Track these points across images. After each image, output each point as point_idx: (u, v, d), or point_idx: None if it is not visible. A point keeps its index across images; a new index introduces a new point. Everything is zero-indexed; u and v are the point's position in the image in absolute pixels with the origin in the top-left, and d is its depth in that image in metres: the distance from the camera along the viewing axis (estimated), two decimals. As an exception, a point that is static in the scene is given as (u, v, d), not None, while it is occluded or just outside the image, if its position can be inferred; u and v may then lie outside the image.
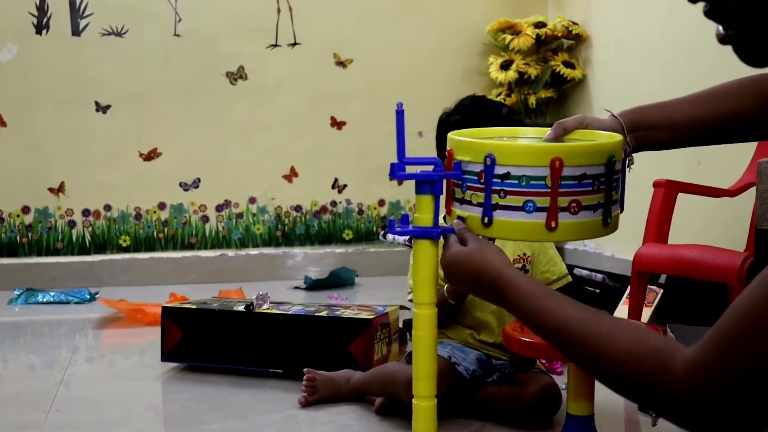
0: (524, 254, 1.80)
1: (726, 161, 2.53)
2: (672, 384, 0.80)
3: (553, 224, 1.08)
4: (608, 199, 1.12)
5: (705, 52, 2.69)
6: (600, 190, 1.11)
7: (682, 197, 2.29)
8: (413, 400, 1.18)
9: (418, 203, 1.16)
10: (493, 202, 1.10)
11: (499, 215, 1.10)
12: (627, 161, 1.29)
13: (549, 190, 1.08)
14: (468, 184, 1.14)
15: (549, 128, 1.20)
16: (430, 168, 1.16)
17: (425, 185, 1.14)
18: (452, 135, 1.19)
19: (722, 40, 0.74)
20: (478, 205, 1.12)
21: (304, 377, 1.81)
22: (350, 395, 1.81)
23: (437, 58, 4.13)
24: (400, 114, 1.13)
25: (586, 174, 1.09)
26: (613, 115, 1.28)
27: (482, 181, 1.11)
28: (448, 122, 1.82)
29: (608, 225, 1.13)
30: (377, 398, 1.76)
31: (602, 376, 0.89)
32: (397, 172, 1.13)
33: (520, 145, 1.14)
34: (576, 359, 0.94)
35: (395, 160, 1.15)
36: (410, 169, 1.17)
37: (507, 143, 1.16)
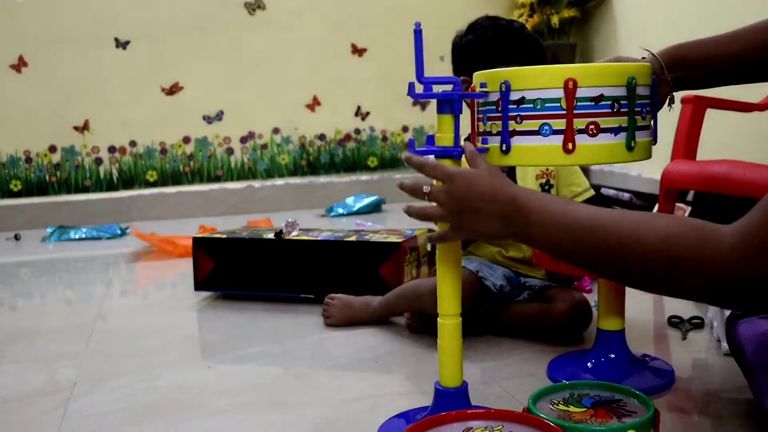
0: (547, 169, 1.79)
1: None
2: (720, 255, 0.77)
3: (570, 146, 1.07)
4: (632, 122, 1.10)
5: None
6: (621, 113, 1.09)
7: (710, 113, 2.26)
8: (438, 319, 1.19)
9: (438, 123, 1.15)
10: (510, 128, 1.10)
11: (516, 141, 1.10)
12: (668, 100, 1.27)
13: (564, 112, 1.07)
14: (488, 115, 1.15)
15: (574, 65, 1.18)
16: (449, 88, 1.15)
17: (444, 104, 1.13)
18: (476, 73, 1.18)
19: None
20: (497, 134, 1.12)
21: (326, 299, 1.86)
22: (372, 319, 1.82)
23: (457, -20, 4.06)
24: (418, 33, 1.12)
25: (603, 95, 1.08)
26: (652, 54, 1.25)
27: (499, 109, 1.11)
28: (461, 44, 1.81)
29: (633, 150, 1.11)
30: (406, 315, 1.78)
31: (643, 271, 0.86)
32: (415, 92, 1.12)
33: (533, 68, 1.13)
34: (612, 261, 0.91)
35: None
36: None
37: (520, 68, 1.14)
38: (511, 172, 1.73)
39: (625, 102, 1.10)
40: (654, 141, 1.18)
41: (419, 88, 1.12)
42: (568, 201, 0.98)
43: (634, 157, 1.13)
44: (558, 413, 1.03)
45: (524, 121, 1.09)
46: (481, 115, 1.17)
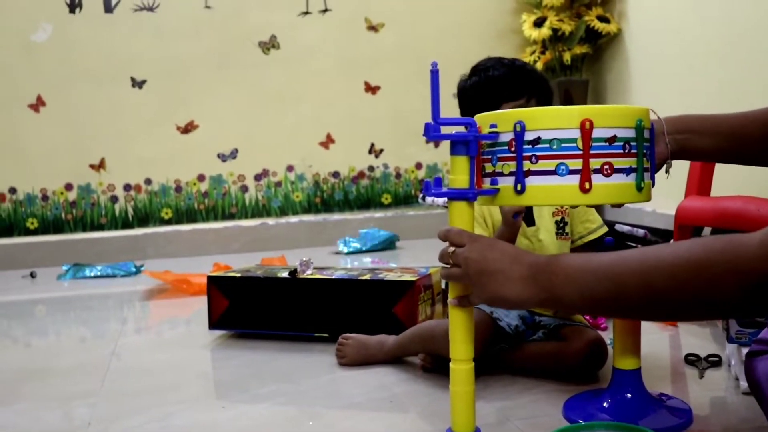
0: (562, 206, 1.79)
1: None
2: (750, 249, 0.78)
3: (587, 185, 1.08)
4: (641, 163, 1.12)
5: (745, 3, 2.63)
6: (631, 154, 1.11)
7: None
8: (450, 364, 1.19)
9: (452, 164, 1.16)
10: (525, 168, 1.11)
11: (531, 181, 1.11)
12: (666, 166, 1.28)
13: (581, 152, 1.08)
14: (498, 155, 1.15)
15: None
16: (464, 130, 1.16)
17: (460, 146, 1.14)
18: (480, 114, 1.19)
19: None
20: (510, 174, 1.12)
21: (339, 339, 1.85)
22: (386, 359, 1.82)
23: (469, 18, 4.10)
24: (434, 74, 1.13)
25: (617, 136, 1.10)
26: (656, 115, 1.26)
27: (513, 149, 1.12)
28: (465, 86, 1.81)
29: (641, 190, 1.13)
30: (420, 356, 1.77)
31: (672, 287, 0.86)
32: (431, 133, 1.13)
33: (550, 108, 1.14)
34: (641, 295, 0.91)
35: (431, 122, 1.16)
36: (445, 130, 1.16)
37: (535, 108, 1.16)
38: (528, 210, 1.73)
39: (634, 143, 1.11)
40: (653, 184, 1.20)
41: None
42: (595, 254, 1.00)
43: (641, 198, 1.14)
44: None
45: (540, 161, 1.10)
46: (488, 156, 1.17)
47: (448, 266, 1.15)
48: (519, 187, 1.11)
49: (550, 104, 1.76)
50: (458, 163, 1.15)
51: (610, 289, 0.95)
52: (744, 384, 1.51)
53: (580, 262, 0.99)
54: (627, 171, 1.10)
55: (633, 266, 0.92)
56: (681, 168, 2.32)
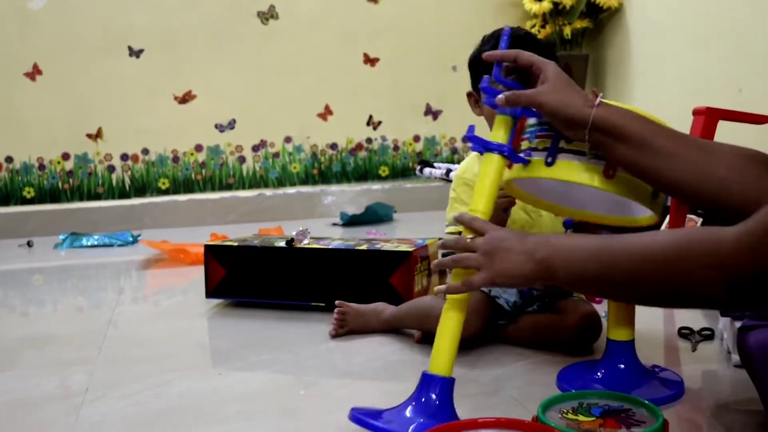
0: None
1: (768, 87, 2.48)
2: (724, 249, 0.80)
3: (611, 172, 1.15)
4: None
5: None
6: None
7: (722, 125, 2.26)
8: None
9: (496, 122, 1.23)
10: (560, 146, 1.17)
11: (562, 157, 1.16)
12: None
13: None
14: (537, 134, 1.23)
15: None
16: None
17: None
18: None
19: None
20: (543, 149, 1.18)
21: (335, 309, 1.85)
22: (382, 329, 1.83)
23: (469, -10, 4.07)
24: (506, 35, 1.25)
25: None
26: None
27: (551, 129, 1.20)
28: (477, 56, 1.80)
29: (657, 197, 1.21)
30: (415, 331, 1.78)
31: (655, 278, 0.89)
32: (489, 97, 1.21)
33: None
34: (626, 282, 0.94)
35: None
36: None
37: None
38: None
39: None
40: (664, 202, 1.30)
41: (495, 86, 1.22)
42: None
43: (655, 208, 1.24)
44: (567, 422, 1.03)
45: (574, 142, 1.18)
46: (527, 135, 1.26)
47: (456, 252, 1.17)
48: (549, 159, 1.17)
49: None
50: (502, 122, 1.22)
51: (598, 273, 0.98)
52: (736, 357, 1.53)
53: (572, 240, 1.01)
54: None
55: (616, 252, 0.94)
56: (682, 126, 2.32)
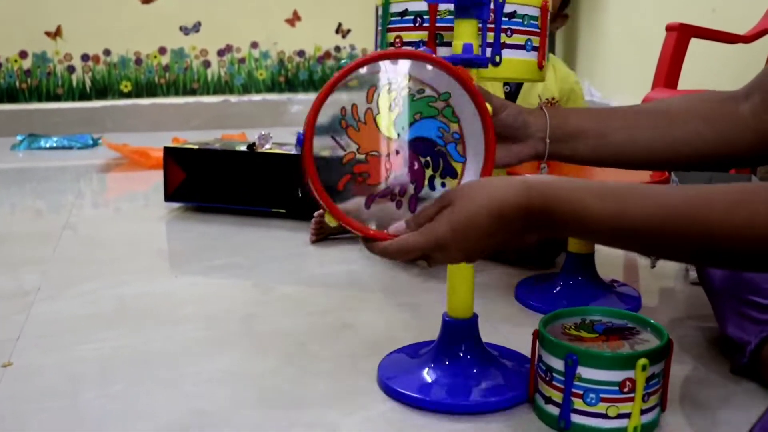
0: (552, 98, 1.74)
1: (742, 8, 2.45)
2: (712, 216, 0.72)
3: (543, 63, 1.10)
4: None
5: None
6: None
7: (694, 43, 2.23)
8: None
9: (456, 29, 1.04)
10: (502, 41, 1.09)
11: (506, 54, 1.10)
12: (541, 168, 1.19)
13: (539, 30, 1.09)
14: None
15: None
16: None
17: (472, 9, 1.03)
18: None
19: None
20: (489, 46, 1.09)
21: (313, 219, 1.82)
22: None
23: None
24: None
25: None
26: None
27: (492, 21, 1.09)
28: None
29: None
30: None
31: (648, 238, 0.77)
32: None
33: None
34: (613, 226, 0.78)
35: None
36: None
37: None
38: (514, 101, 1.66)
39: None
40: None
41: None
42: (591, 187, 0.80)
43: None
44: (569, 338, 1.02)
45: (514, 35, 1.08)
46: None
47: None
48: (498, 58, 1.08)
49: None
50: (463, 26, 1.03)
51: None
52: (693, 274, 1.54)
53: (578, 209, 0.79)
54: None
55: (607, 203, 0.76)
56: (650, 57, 2.29)
